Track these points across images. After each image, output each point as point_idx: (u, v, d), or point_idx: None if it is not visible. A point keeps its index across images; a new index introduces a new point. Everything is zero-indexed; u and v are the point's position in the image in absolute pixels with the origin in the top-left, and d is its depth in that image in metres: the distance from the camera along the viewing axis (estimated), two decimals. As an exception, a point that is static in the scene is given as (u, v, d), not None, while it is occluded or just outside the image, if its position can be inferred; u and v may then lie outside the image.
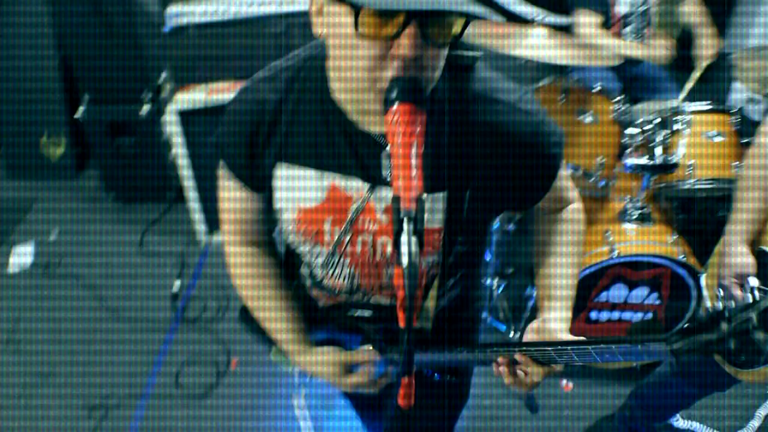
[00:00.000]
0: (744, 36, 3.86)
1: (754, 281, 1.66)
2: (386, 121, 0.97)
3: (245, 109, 1.21)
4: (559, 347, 1.10)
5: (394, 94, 0.96)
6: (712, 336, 0.92)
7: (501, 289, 2.84)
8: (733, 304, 0.94)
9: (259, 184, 1.26)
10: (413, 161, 0.93)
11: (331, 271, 1.33)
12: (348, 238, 1.25)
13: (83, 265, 3.39)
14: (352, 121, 1.13)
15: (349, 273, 1.32)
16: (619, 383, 2.67)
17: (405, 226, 0.88)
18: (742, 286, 1.73)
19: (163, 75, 3.25)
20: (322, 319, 1.43)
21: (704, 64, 3.10)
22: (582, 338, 1.11)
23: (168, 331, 3.02)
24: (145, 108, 3.41)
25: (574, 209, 1.39)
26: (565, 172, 1.32)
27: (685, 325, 0.96)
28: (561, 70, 2.63)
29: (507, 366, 1.18)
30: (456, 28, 0.98)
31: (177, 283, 3.24)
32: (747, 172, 1.77)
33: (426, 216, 1.18)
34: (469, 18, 0.97)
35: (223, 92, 3.02)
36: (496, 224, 2.62)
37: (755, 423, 2.63)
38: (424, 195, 1.13)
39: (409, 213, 0.89)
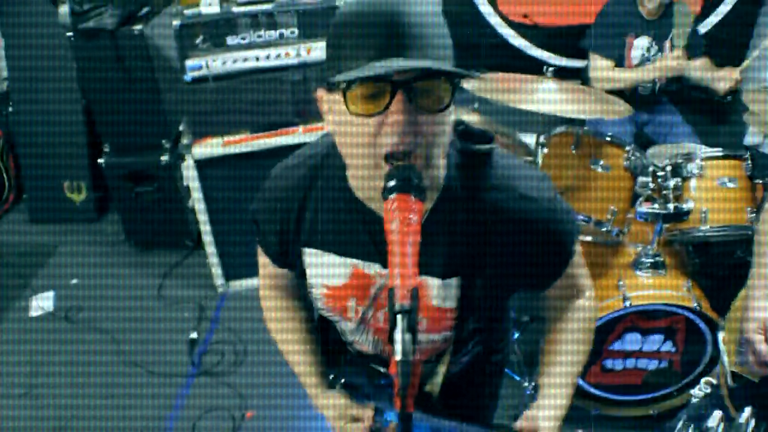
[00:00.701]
0: (758, 80, 3.86)
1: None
2: (384, 210, 1.00)
3: (274, 196, 1.29)
4: None
5: (391, 185, 0.99)
6: None
7: (516, 338, 2.84)
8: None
9: (288, 263, 1.35)
10: (409, 254, 0.96)
11: (358, 339, 1.39)
12: (371, 313, 1.31)
13: (102, 309, 3.44)
14: (369, 209, 1.17)
15: (374, 340, 1.37)
16: (637, 431, 2.64)
17: (399, 321, 0.90)
18: (765, 342, 1.72)
19: (182, 125, 3.32)
20: (350, 364, 1.49)
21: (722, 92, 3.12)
22: None
23: (184, 382, 3.04)
24: (165, 157, 3.48)
25: (586, 306, 1.40)
26: (579, 263, 1.34)
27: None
28: (573, 120, 2.65)
29: None
30: (444, 93, 1.01)
31: (194, 333, 3.26)
32: (765, 226, 1.77)
33: (440, 298, 1.22)
34: (455, 83, 1.01)
35: (238, 144, 3.09)
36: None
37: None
38: (436, 282, 1.16)
39: (403, 307, 0.91)
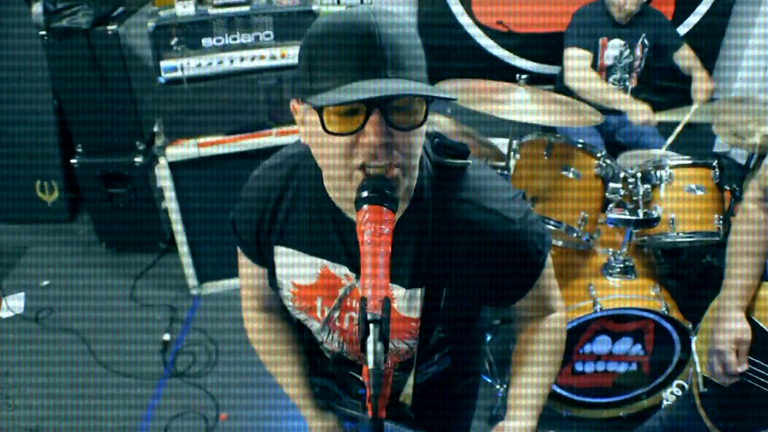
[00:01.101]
0: (726, 90, 3.95)
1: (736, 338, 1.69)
2: (357, 221, 1.02)
3: (253, 196, 1.31)
4: None
5: (363, 195, 1.01)
6: None
7: (488, 341, 2.87)
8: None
9: (264, 261, 1.36)
10: (381, 264, 0.97)
11: (324, 340, 1.41)
12: (337, 314, 1.32)
13: (74, 311, 3.41)
14: (341, 211, 1.19)
15: (339, 343, 1.39)
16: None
17: (371, 330, 0.92)
18: (737, 352, 1.76)
19: (156, 126, 3.30)
20: (327, 370, 1.50)
21: (699, 103, 3.18)
22: None
23: (157, 383, 3.02)
24: (138, 159, 3.46)
25: (556, 326, 1.41)
26: (549, 280, 1.36)
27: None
28: (546, 127, 2.69)
29: None
30: (419, 111, 1.02)
31: (167, 335, 3.24)
32: (736, 238, 1.80)
33: (404, 307, 1.24)
34: (429, 101, 1.02)
35: (212, 146, 3.08)
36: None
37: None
38: (402, 291, 1.18)
39: (375, 317, 0.92)
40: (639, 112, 3.08)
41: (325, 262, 1.26)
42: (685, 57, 3.39)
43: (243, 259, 1.43)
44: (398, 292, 1.23)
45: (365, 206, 1.01)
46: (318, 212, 1.23)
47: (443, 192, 1.18)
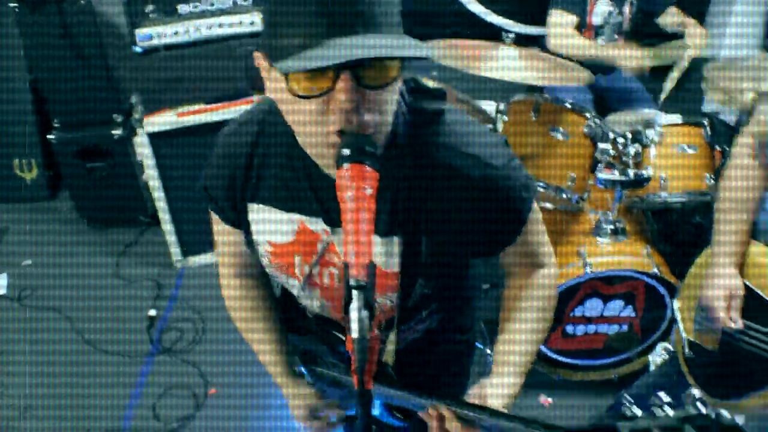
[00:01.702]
0: (715, 47, 3.89)
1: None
2: (337, 180, 0.96)
3: (224, 153, 1.24)
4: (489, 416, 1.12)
5: (344, 153, 0.95)
6: None
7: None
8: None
9: (240, 222, 1.30)
10: (363, 228, 0.92)
11: (305, 303, 1.36)
12: (317, 271, 1.27)
13: (57, 290, 3.35)
14: (316, 165, 1.12)
15: (321, 303, 1.34)
16: (598, 395, 2.67)
17: (354, 297, 0.87)
18: (736, 310, 1.72)
19: (134, 98, 3.23)
20: (307, 329, 1.47)
21: (694, 53, 3.07)
22: (504, 411, 1.17)
23: (144, 360, 2.99)
24: (117, 132, 3.38)
25: (546, 282, 1.36)
26: (538, 232, 1.30)
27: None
28: (533, 87, 2.63)
29: (436, 420, 1.17)
30: (392, 69, 0.96)
31: (152, 310, 3.20)
32: (725, 194, 1.77)
33: (382, 259, 1.19)
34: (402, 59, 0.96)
35: (192, 116, 3.01)
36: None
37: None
38: (378, 240, 1.12)
39: (359, 282, 0.87)
40: (630, 58, 3.01)
41: (301, 217, 1.21)
42: (673, 14, 3.32)
43: (218, 225, 1.38)
44: (374, 239, 1.15)
45: (346, 165, 0.95)
46: (291, 168, 1.17)
47: (420, 137, 1.12)
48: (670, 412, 0.90)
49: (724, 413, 0.86)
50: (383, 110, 1.00)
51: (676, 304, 1.94)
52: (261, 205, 1.24)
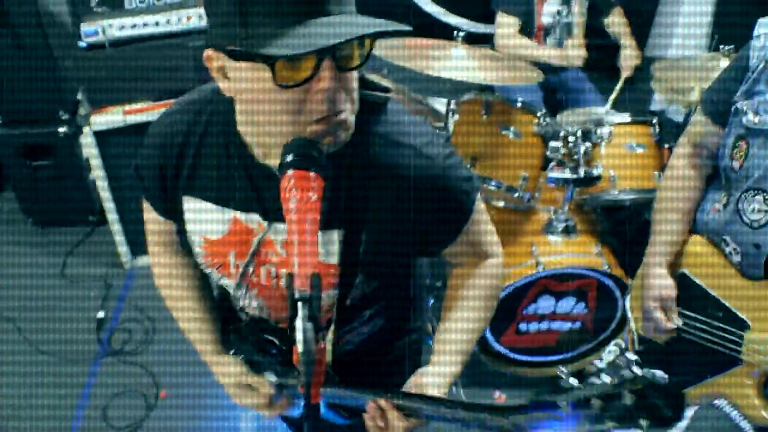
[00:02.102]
0: (663, 47, 3.97)
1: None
2: (282, 187, 0.94)
3: (155, 142, 1.22)
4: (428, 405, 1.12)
5: (288, 159, 0.93)
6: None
7: (431, 303, 2.84)
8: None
9: (172, 213, 1.27)
10: (308, 236, 0.90)
11: (242, 304, 1.33)
12: (252, 269, 1.24)
13: (1, 291, 3.25)
14: (252, 155, 1.11)
15: (258, 303, 1.31)
16: (551, 392, 2.68)
17: (299, 309, 0.85)
18: (663, 309, 1.75)
19: (80, 94, 3.14)
20: (241, 336, 1.42)
21: (626, 74, 3.19)
22: (443, 397, 1.16)
23: (93, 363, 2.91)
24: (62, 129, 3.28)
25: (493, 272, 1.35)
26: (483, 223, 1.30)
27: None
28: (484, 86, 2.64)
29: (376, 412, 1.16)
30: (366, 49, 0.97)
31: (101, 312, 3.12)
32: (662, 194, 1.79)
33: (321, 250, 1.16)
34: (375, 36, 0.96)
35: (139, 113, 2.94)
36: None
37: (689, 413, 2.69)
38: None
39: (303, 294, 0.86)
40: (571, 53, 3.08)
41: (235, 212, 1.18)
42: (614, 23, 3.37)
43: (149, 213, 1.35)
44: None
45: (290, 171, 0.93)
46: (228, 160, 1.14)
47: (361, 126, 1.10)
48: (607, 379, 0.90)
49: (659, 373, 0.87)
50: (354, 97, 1.01)
51: (627, 299, 1.97)
52: (194, 198, 1.21)
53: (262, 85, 0.93)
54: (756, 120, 1.49)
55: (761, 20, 1.56)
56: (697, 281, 1.72)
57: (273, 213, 1.14)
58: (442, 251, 1.29)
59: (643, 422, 0.87)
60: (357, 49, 0.95)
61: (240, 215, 1.18)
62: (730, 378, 1.65)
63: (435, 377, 1.23)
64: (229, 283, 1.29)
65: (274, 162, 1.06)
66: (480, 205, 1.26)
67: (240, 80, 0.98)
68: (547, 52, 3.16)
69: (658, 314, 1.74)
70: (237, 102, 1.07)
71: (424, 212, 1.16)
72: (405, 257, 1.35)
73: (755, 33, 1.54)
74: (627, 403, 0.87)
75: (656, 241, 1.76)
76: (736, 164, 1.56)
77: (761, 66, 1.50)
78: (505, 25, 3.22)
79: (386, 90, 1.16)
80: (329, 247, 1.16)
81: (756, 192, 1.51)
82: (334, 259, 1.17)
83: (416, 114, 2.69)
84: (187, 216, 1.24)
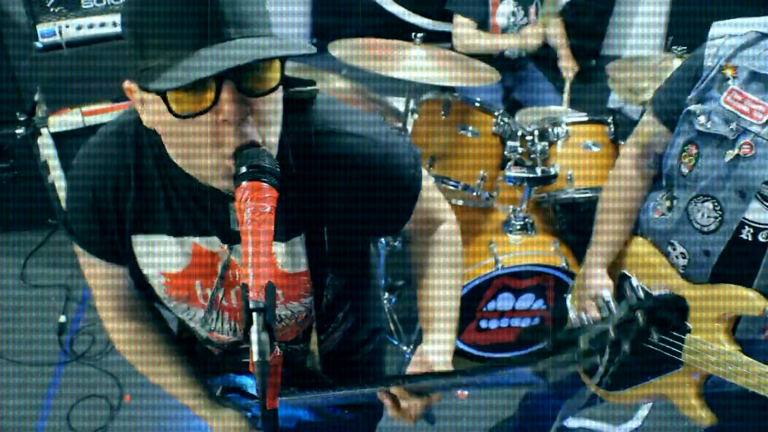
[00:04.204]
0: (619, 47, 4.04)
1: (606, 294, 1.69)
2: (236, 199, 0.93)
3: (84, 185, 1.14)
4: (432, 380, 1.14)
5: (242, 171, 0.92)
6: (572, 354, 0.96)
7: (392, 302, 2.86)
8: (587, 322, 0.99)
9: (118, 257, 1.21)
10: (263, 247, 0.89)
11: (213, 328, 1.30)
12: (221, 293, 1.22)
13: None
14: (195, 177, 1.06)
15: (231, 326, 1.29)
16: (513, 392, 2.73)
17: (254, 319, 0.85)
18: (599, 308, 1.74)
19: (37, 95, 3.09)
20: (219, 367, 1.41)
21: (569, 80, 3.29)
22: (453, 370, 1.17)
23: (56, 368, 2.87)
24: (19, 131, 3.23)
25: (448, 230, 1.36)
26: (430, 193, 1.30)
27: (545, 346, 1.00)
28: (444, 86, 2.66)
29: (389, 400, 1.18)
30: (275, 72, 0.94)
31: (62, 316, 3.08)
32: (606, 194, 1.79)
33: (288, 261, 1.16)
34: (284, 59, 0.94)
35: (98, 114, 2.92)
36: (382, 241, 2.65)
37: (643, 412, 2.75)
38: (281, 248, 1.11)
39: (258, 304, 0.85)
40: (529, 36, 3.16)
41: (193, 239, 1.15)
42: (553, 34, 3.47)
43: (88, 268, 1.26)
44: (277, 247, 1.14)
45: (244, 183, 0.91)
46: (170, 186, 1.10)
47: (299, 127, 1.09)
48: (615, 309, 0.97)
49: (662, 293, 0.92)
50: (271, 121, 0.97)
51: (568, 297, 1.96)
52: (146, 235, 1.16)
53: (167, 117, 0.91)
54: (708, 125, 1.48)
55: (716, 24, 1.56)
56: (637, 282, 1.71)
57: (231, 235, 1.13)
58: (400, 230, 1.30)
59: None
60: (266, 71, 0.92)
61: (200, 241, 1.15)
62: (671, 379, 1.66)
63: (437, 354, 1.25)
64: (196, 312, 1.25)
65: (218, 183, 1.03)
66: (425, 173, 1.26)
67: (151, 112, 0.96)
68: (506, 41, 3.24)
69: (594, 313, 1.73)
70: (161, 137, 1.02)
71: (377, 196, 1.16)
72: (366, 246, 1.36)
73: (710, 36, 1.54)
74: (640, 323, 0.93)
75: (597, 241, 1.77)
76: (684, 168, 1.55)
77: (714, 73, 1.50)
78: (463, 26, 3.26)
79: (311, 83, 1.13)
80: (296, 257, 1.16)
81: (705, 198, 1.51)
82: (303, 267, 1.17)
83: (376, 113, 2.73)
84: (140, 256, 1.18)
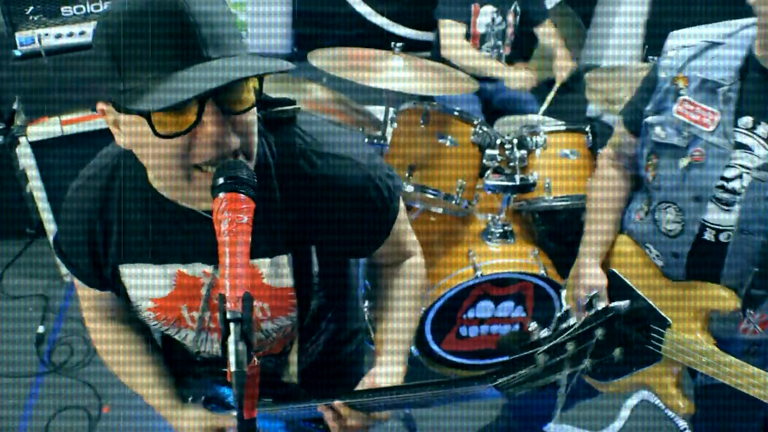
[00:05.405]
0: (597, 57, 4.08)
1: (598, 290, 1.76)
2: (214, 210, 0.94)
3: (77, 219, 1.18)
4: (379, 396, 1.15)
5: (219, 182, 0.93)
6: (533, 368, 0.96)
7: (367, 306, 2.87)
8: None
9: (108, 285, 1.25)
10: (239, 259, 0.90)
11: (204, 349, 1.33)
12: (208, 315, 1.24)
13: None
14: (180, 208, 1.10)
15: (219, 346, 1.29)
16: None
17: (231, 329, 0.86)
18: (591, 304, 1.80)
19: (15, 104, 3.07)
20: (200, 377, 1.42)
21: (560, 81, 3.29)
22: (405, 384, 1.19)
23: (34, 379, 2.85)
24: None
25: (415, 264, 1.40)
26: (403, 225, 1.33)
27: (506, 359, 0.99)
28: (423, 95, 2.68)
29: (330, 413, 1.19)
30: (252, 91, 0.96)
31: (41, 327, 3.05)
32: (591, 194, 1.86)
33: (273, 279, 1.18)
34: (262, 77, 0.97)
35: (77, 123, 2.91)
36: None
37: (625, 413, 2.79)
38: (267, 262, 1.12)
39: (235, 315, 0.86)
40: (515, 79, 3.13)
41: (176, 266, 1.17)
42: (546, 34, 3.48)
43: (80, 290, 1.32)
44: (262, 262, 1.16)
45: (221, 194, 0.93)
46: (154, 217, 1.13)
47: (279, 148, 1.11)
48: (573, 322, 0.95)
49: (620, 304, 0.92)
50: (250, 131, 0.99)
51: (564, 293, 2.02)
52: (132, 264, 1.19)
53: (150, 139, 0.92)
54: (663, 135, 1.56)
55: (672, 35, 1.62)
56: (626, 280, 1.78)
57: (215, 256, 1.14)
58: (374, 251, 1.32)
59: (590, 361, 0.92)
60: (246, 90, 0.95)
61: (183, 268, 1.17)
62: (653, 369, 1.72)
63: (388, 377, 1.28)
64: (187, 333, 1.28)
65: (197, 202, 1.07)
66: (401, 204, 1.30)
67: (130, 134, 0.97)
68: (498, 73, 3.21)
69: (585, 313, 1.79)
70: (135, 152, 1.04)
71: (358, 217, 1.19)
72: (344, 263, 1.38)
73: (665, 48, 1.61)
74: (599, 338, 0.92)
75: (587, 240, 1.82)
76: (649, 176, 1.64)
77: (668, 84, 1.56)
78: (453, 35, 3.27)
79: (291, 102, 1.15)
80: (281, 271, 1.18)
81: (668, 204, 1.59)
82: (289, 282, 1.19)
83: (355, 123, 2.75)
84: (128, 283, 1.22)
